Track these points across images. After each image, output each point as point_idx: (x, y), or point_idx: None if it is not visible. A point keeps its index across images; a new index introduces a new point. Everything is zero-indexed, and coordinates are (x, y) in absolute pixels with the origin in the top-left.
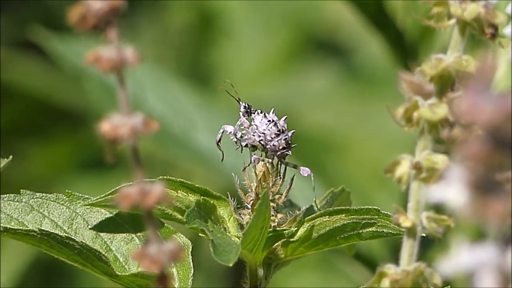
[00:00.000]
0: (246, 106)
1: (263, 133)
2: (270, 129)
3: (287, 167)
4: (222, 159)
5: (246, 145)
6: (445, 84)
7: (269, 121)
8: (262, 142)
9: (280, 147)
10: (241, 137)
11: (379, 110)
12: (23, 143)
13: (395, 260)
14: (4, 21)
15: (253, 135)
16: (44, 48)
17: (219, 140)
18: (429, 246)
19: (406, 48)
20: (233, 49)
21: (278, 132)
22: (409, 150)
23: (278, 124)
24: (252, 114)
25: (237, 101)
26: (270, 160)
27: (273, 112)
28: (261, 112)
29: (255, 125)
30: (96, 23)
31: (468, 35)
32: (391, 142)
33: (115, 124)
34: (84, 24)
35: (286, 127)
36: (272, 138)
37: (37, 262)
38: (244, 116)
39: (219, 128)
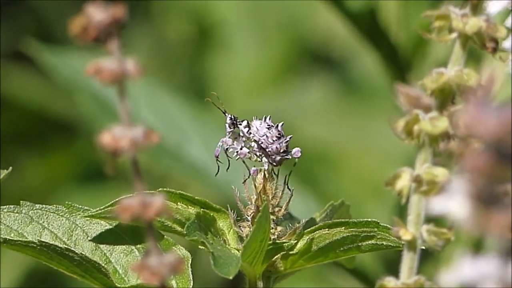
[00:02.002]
0: (232, 117)
1: (264, 135)
2: (271, 132)
3: (285, 178)
4: (217, 174)
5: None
6: (446, 97)
7: (268, 125)
8: (263, 145)
9: (281, 150)
10: (232, 151)
11: (374, 124)
12: (19, 154)
13: (388, 272)
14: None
15: (249, 142)
16: (36, 60)
17: (218, 155)
18: (424, 259)
19: (400, 62)
20: (228, 61)
21: (279, 135)
22: (403, 163)
23: (278, 128)
24: (239, 126)
25: (223, 113)
26: (269, 170)
27: (269, 119)
28: (258, 118)
29: (256, 128)
30: (98, 35)
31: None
32: (385, 155)
33: (116, 136)
34: (85, 36)
35: (283, 132)
36: (273, 141)
37: (34, 271)
38: (230, 128)
39: (213, 140)
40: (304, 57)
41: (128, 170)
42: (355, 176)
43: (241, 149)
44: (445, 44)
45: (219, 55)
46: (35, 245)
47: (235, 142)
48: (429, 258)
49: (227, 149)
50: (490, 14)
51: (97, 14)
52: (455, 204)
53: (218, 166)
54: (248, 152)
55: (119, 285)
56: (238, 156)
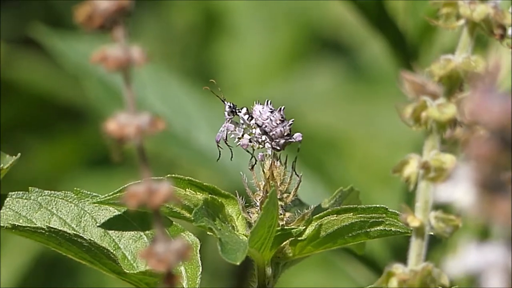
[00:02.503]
0: (231, 105)
1: (268, 119)
2: (275, 116)
3: (293, 164)
4: (218, 159)
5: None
6: (453, 84)
7: (271, 109)
8: (266, 129)
9: (285, 134)
10: (233, 137)
11: (382, 110)
12: (27, 140)
13: (396, 259)
14: (7, 18)
15: (249, 129)
16: (45, 45)
17: (220, 140)
18: (432, 245)
19: (407, 49)
20: (237, 48)
21: (282, 119)
22: (411, 150)
23: (281, 112)
24: (239, 113)
25: (222, 101)
26: (277, 156)
27: (270, 103)
28: (260, 103)
29: (259, 112)
30: (103, 23)
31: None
32: (392, 142)
33: (122, 123)
34: (90, 23)
35: (285, 116)
36: (277, 124)
37: (40, 259)
38: (229, 116)
39: (220, 127)
40: (313, 44)
41: (135, 156)
42: (362, 163)
43: (242, 136)
44: (452, 31)
45: (227, 42)
46: (43, 231)
47: (237, 128)
48: (436, 245)
49: (228, 135)
50: (497, 1)
51: (103, 2)
52: (461, 191)
53: (220, 152)
54: (249, 140)
55: (128, 271)
56: (239, 144)
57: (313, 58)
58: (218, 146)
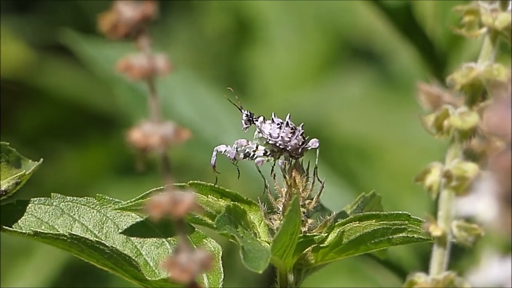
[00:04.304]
0: (248, 114)
1: (279, 136)
2: (285, 131)
3: (315, 170)
4: (215, 183)
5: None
6: (476, 92)
7: (278, 124)
8: (281, 146)
9: (300, 143)
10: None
11: (412, 118)
12: (57, 147)
13: (424, 266)
14: (37, 24)
15: (267, 142)
16: (75, 52)
17: (214, 164)
18: (459, 255)
19: (436, 57)
20: (268, 55)
21: (293, 130)
22: (440, 158)
23: (289, 124)
24: (256, 122)
25: (239, 109)
26: (298, 162)
27: (274, 116)
28: (265, 120)
29: (268, 133)
30: (128, 31)
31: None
32: (422, 150)
33: (146, 133)
34: (115, 32)
35: (294, 123)
36: (290, 138)
37: (69, 266)
38: (246, 124)
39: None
40: (344, 52)
41: (160, 165)
42: (392, 171)
43: (257, 148)
44: (481, 39)
45: (258, 49)
46: (65, 238)
47: (246, 146)
48: (462, 254)
49: (246, 152)
50: None
51: (127, 11)
52: (483, 204)
53: (216, 177)
54: (265, 153)
55: (149, 278)
56: (256, 163)
57: (344, 66)
58: (214, 170)
